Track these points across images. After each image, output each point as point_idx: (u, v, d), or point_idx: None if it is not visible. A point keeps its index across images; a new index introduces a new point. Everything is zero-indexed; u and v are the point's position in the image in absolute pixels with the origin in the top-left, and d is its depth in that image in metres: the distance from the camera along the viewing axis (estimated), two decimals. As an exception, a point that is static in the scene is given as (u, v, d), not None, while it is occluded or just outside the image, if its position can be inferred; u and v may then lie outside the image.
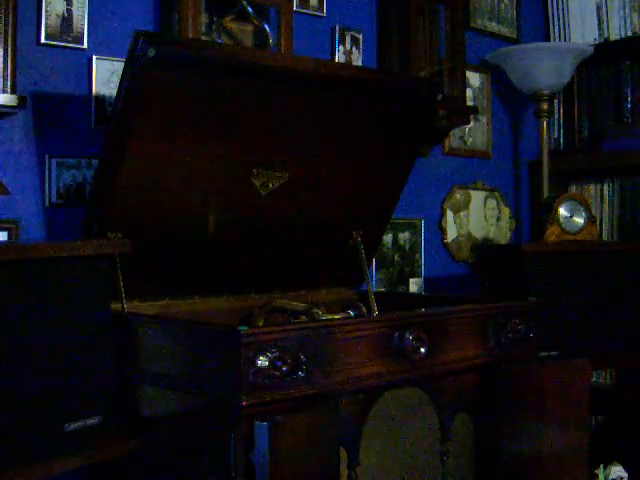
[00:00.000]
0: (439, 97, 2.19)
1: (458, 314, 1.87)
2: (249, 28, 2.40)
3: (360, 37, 2.82)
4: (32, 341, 1.49)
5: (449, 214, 3.19)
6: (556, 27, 3.53)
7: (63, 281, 1.55)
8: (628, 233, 3.24)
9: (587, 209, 2.71)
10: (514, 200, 3.51)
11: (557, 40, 3.51)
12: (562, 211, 2.68)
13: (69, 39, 2.12)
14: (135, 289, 1.90)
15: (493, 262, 2.72)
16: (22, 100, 1.91)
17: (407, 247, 3.00)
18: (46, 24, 2.08)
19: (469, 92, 3.20)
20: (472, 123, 3.20)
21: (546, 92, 3.12)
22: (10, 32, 1.90)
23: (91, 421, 1.57)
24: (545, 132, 3.16)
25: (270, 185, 2.03)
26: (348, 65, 2.69)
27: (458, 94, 2.88)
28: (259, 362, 1.44)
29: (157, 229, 1.90)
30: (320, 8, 2.71)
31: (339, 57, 2.76)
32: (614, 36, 3.36)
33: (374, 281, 2.84)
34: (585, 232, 2.68)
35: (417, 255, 3.04)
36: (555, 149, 3.50)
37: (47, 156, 2.10)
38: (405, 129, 2.20)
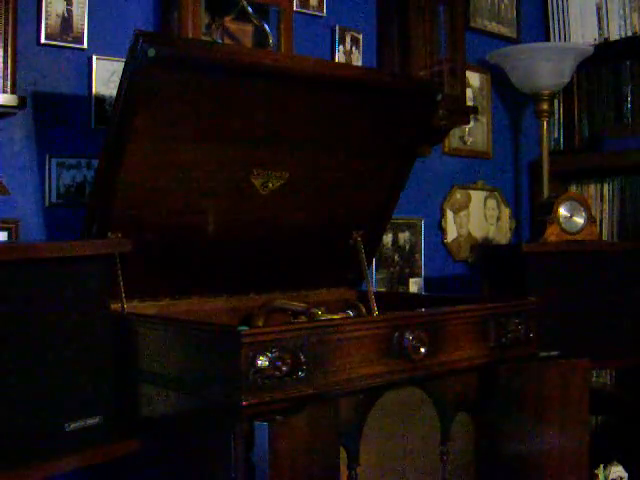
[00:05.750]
0: (439, 97, 2.20)
1: (458, 314, 1.87)
2: (249, 28, 2.40)
3: (360, 37, 2.82)
4: (32, 341, 1.48)
5: (449, 214, 3.19)
6: (556, 27, 3.53)
7: (63, 281, 1.55)
8: (628, 233, 3.24)
9: (587, 209, 2.71)
10: (514, 200, 3.51)
11: (557, 40, 3.51)
12: (562, 211, 2.68)
13: (69, 39, 2.13)
14: (135, 289, 1.90)
15: (493, 262, 2.72)
16: (22, 100, 1.91)
17: (407, 247, 3.00)
18: (46, 24, 2.08)
19: (469, 92, 3.20)
20: (472, 123, 3.20)
21: (546, 92, 3.12)
22: (10, 32, 1.90)
23: (91, 421, 1.57)
24: (545, 132, 3.17)
25: (270, 185, 2.03)
26: (348, 65, 2.69)
27: (458, 94, 2.88)
28: (259, 362, 1.44)
29: (157, 229, 1.90)
30: (320, 8, 2.71)
31: (339, 57, 2.76)
32: (614, 36, 3.36)
33: (374, 281, 2.84)
34: (585, 232, 2.68)
35: (417, 255, 3.04)
36: (555, 149, 3.50)
37: (47, 156, 2.10)
38: (405, 129, 2.20)
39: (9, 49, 1.89)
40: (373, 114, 2.10)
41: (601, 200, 3.34)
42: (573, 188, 3.42)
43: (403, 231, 2.99)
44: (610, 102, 3.41)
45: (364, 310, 2.25)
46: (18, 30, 1.94)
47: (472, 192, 3.29)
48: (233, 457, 1.46)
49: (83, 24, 2.15)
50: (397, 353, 1.70)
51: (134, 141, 1.73)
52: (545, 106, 3.14)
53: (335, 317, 2.06)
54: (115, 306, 1.77)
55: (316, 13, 2.70)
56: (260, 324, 2.07)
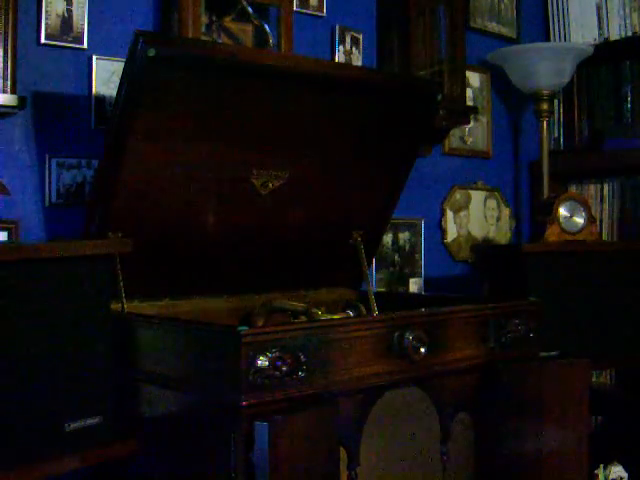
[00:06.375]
0: (439, 97, 2.20)
1: (458, 314, 1.87)
2: (249, 28, 2.40)
3: (360, 37, 2.82)
4: (32, 341, 1.48)
5: (449, 214, 3.19)
6: (556, 27, 3.53)
7: (63, 281, 1.55)
8: (628, 233, 3.24)
9: (587, 209, 2.71)
10: (514, 200, 3.51)
11: (557, 40, 3.51)
12: (562, 211, 2.68)
13: (69, 39, 2.12)
14: (135, 289, 1.90)
15: (493, 262, 2.72)
16: (22, 100, 1.91)
17: (407, 247, 3.00)
18: (46, 24, 2.08)
19: (469, 92, 3.20)
20: (472, 123, 3.20)
21: (546, 92, 3.12)
22: (10, 32, 1.90)
23: (91, 421, 1.57)
24: (545, 132, 3.17)
25: (270, 185, 2.03)
26: (348, 65, 2.69)
27: (458, 94, 2.88)
28: (259, 362, 1.45)
29: (157, 229, 1.90)
30: (320, 8, 2.71)
31: (339, 57, 2.76)
32: (614, 36, 3.36)
33: (374, 281, 2.84)
34: (585, 232, 2.68)
35: (417, 255, 3.04)
36: (555, 149, 3.49)
37: (47, 156, 2.10)
38: (405, 129, 2.20)
39: (9, 49, 1.89)
40: (373, 114, 2.10)
41: (601, 200, 3.34)
42: (573, 188, 3.42)
43: (403, 231, 2.99)
44: (610, 102, 3.41)
45: (364, 310, 2.25)
46: (18, 30, 1.94)
47: (472, 192, 3.29)
48: (233, 457, 1.46)
49: (83, 24, 2.15)
50: (397, 353, 1.70)
51: (134, 141, 1.73)
52: (545, 106, 3.14)
53: (335, 317, 2.06)
54: (115, 306, 1.77)
55: (316, 13, 2.70)
56: (260, 324, 2.07)
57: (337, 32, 2.75)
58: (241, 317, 2.14)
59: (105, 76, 2.19)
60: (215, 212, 1.99)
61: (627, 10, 3.32)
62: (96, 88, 2.18)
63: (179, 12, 2.19)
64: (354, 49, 2.80)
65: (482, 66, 3.31)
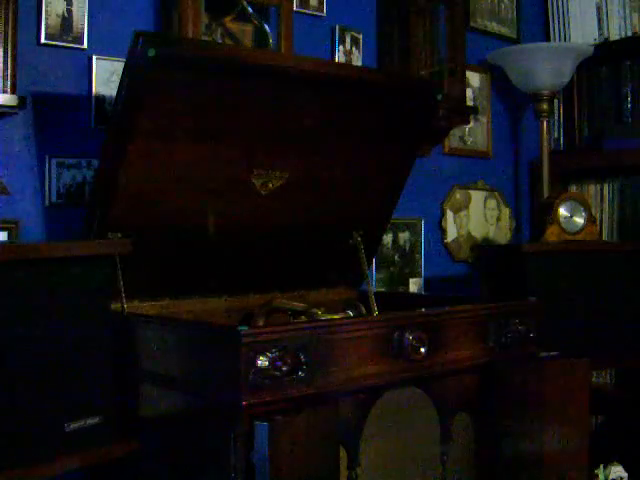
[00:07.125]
0: (439, 97, 2.20)
1: (458, 314, 1.87)
2: (249, 28, 2.40)
3: (360, 37, 2.82)
4: (32, 341, 1.48)
5: (449, 214, 3.19)
6: (556, 27, 3.53)
7: (63, 281, 1.55)
8: (628, 233, 3.24)
9: (587, 209, 2.71)
10: (514, 200, 3.51)
11: (557, 40, 3.51)
12: (562, 211, 2.68)
13: (69, 39, 2.13)
14: (135, 289, 1.89)
15: (493, 262, 2.72)
16: (22, 100, 1.91)
17: (407, 247, 3.00)
18: (46, 24, 2.08)
19: (469, 92, 3.20)
20: (472, 123, 3.20)
21: (546, 92, 3.12)
22: (10, 32, 1.90)
23: (91, 421, 1.57)
24: (545, 132, 3.17)
25: (270, 185, 2.03)
26: (348, 65, 2.69)
27: (458, 94, 2.88)
28: (259, 362, 1.44)
29: (157, 229, 1.90)
30: (320, 8, 2.71)
31: (339, 57, 2.76)
32: (614, 36, 3.36)
33: (374, 281, 2.84)
34: (585, 232, 2.68)
35: (417, 255, 3.04)
36: (555, 149, 3.50)
37: (47, 156, 2.10)
38: (405, 129, 2.20)
39: (9, 49, 1.90)
40: (373, 114, 2.10)
41: (601, 200, 3.34)
42: (573, 188, 3.42)
43: (403, 231, 2.99)
44: (610, 102, 3.41)
45: (364, 310, 2.25)
46: (18, 30, 1.94)
47: (472, 192, 3.29)
48: (233, 457, 1.46)
49: (83, 24, 2.15)
50: (397, 353, 1.70)
51: (134, 141, 1.73)
52: (545, 106, 3.14)
53: (335, 317, 2.06)
54: (115, 306, 1.77)
55: (316, 13, 2.70)
56: (260, 324, 2.07)
57: (337, 32, 2.75)
58: (241, 317, 2.15)
59: (105, 76, 2.19)
60: (215, 212, 1.99)
61: (627, 10, 3.33)
62: (96, 88, 2.18)
63: (179, 12, 2.19)
64: (354, 49, 2.80)
65: (482, 66, 3.31)
